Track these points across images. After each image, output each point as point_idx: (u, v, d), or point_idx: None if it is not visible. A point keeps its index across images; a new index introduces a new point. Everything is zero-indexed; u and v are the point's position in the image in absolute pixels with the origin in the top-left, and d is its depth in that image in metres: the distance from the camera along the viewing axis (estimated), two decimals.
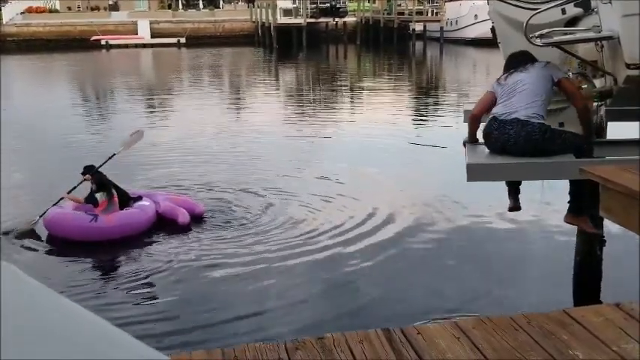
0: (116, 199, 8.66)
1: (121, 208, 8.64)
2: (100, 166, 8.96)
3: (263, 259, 7.57)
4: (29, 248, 8.18)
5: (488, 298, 6.44)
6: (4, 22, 52.89)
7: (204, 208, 9.07)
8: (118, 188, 8.92)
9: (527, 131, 4.50)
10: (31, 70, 38.13)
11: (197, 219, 8.86)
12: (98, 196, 8.53)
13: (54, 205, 8.65)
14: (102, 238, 8.16)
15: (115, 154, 9.41)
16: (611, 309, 3.22)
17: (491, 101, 4.90)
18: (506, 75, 4.85)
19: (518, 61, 4.91)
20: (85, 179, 8.74)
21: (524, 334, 2.98)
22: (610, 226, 5.70)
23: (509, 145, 4.57)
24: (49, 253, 8.16)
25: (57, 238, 8.33)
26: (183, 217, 8.61)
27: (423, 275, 7.15)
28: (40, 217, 8.57)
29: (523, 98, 4.64)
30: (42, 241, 8.41)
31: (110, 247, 8.15)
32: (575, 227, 5.94)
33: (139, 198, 8.94)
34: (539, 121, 4.55)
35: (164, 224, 8.72)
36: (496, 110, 4.75)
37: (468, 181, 4.57)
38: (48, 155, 13.21)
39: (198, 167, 12.03)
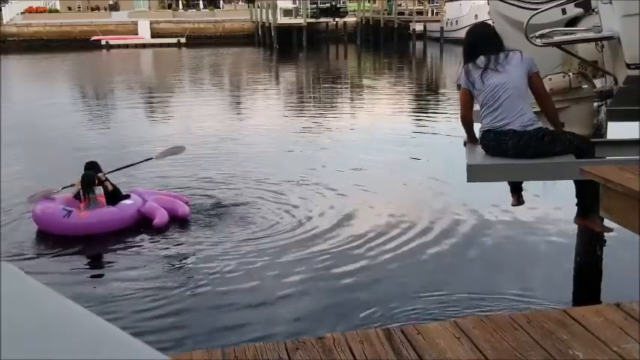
0: (101, 197, 8.86)
1: (112, 205, 8.89)
2: (132, 165, 9.74)
3: (266, 254, 7.60)
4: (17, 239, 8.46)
5: (489, 297, 6.43)
6: (4, 22, 52.90)
7: (189, 210, 9.15)
8: (112, 186, 9.12)
9: (526, 140, 4.45)
10: (32, 70, 38.14)
11: (182, 219, 8.99)
12: (81, 193, 8.82)
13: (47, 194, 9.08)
14: (75, 233, 8.44)
15: (151, 159, 10.08)
16: (612, 309, 3.22)
17: (470, 97, 4.72)
18: (480, 74, 4.58)
19: (482, 48, 4.67)
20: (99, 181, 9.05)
21: (525, 334, 2.98)
22: (610, 226, 5.70)
23: (508, 155, 4.53)
24: (32, 244, 8.42)
25: (41, 231, 8.64)
26: (160, 218, 8.72)
27: (424, 273, 7.15)
28: (63, 188, 9.22)
29: (511, 106, 4.48)
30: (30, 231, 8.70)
31: (100, 243, 8.34)
32: (576, 226, 5.95)
33: (127, 196, 9.14)
34: (535, 127, 4.46)
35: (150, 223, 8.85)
36: (487, 122, 4.60)
37: (468, 181, 4.56)
38: (49, 151, 13.23)
39: (198, 164, 12.14)
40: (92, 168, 9.09)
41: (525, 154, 4.46)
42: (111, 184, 9.09)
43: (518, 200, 5.12)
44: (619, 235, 6.19)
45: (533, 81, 4.56)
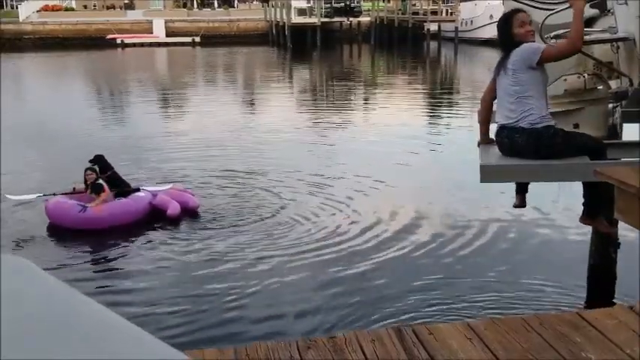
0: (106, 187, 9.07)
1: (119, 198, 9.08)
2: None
3: (275, 254, 7.61)
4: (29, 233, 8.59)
5: (501, 299, 6.41)
6: (20, 20, 53.28)
7: (198, 202, 9.40)
8: (119, 180, 9.34)
9: (535, 138, 4.40)
10: (47, 68, 38.38)
11: (191, 212, 9.21)
12: (100, 181, 8.99)
13: (62, 194, 9.12)
14: (91, 226, 8.56)
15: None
16: (625, 311, 3.21)
17: (494, 85, 4.68)
18: (498, 69, 4.58)
19: (500, 43, 4.62)
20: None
21: (537, 336, 2.97)
22: (625, 229, 5.66)
23: (521, 154, 4.50)
24: (46, 240, 8.55)
25: (54, 226, 8.73)
26: (173, 210, 8.92)
27: (436, 272, 7.13)
28: (41, 195, 9.16)
29: (518, 106, 4.43)
30: (42, 226, 8.79)
31: (114, 237, 8.43)
32: (590, 228, 5.92)
33: (137, 190, 9.31)
34: (544, 125, 4.41)
35: (162, 216, 8.99)
36: (499, 119, 4.60)
37: (481, 182, 4.55)
38: (61, 148, 13.31)
39: (215, 159, 12.25)
40: (98, 161, 9.23)
41: (538, 154, 4.43)
42: (113, 178, 9.26)
43: (522, 201, 5.09)
44: (633, 238, 6.16)
45: (546, 57, 4.34)
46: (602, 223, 4.80)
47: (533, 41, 4.50)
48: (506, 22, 4.56)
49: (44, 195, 9.15)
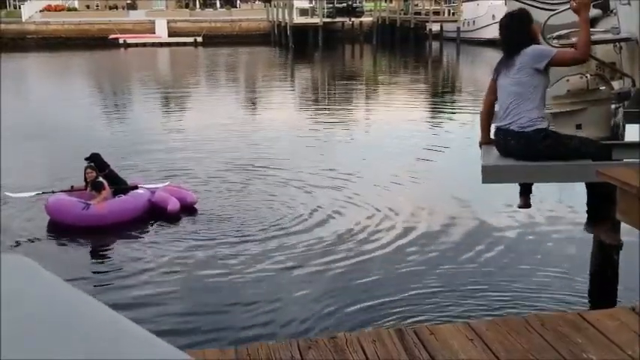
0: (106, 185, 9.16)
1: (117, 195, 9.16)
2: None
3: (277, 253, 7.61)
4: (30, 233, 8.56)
5: (502, 299, 6.41)
6: (22, 20, 53.35)
7: (196, 198, 9.50)
8: (116, 177, 9.42)
9: (526, 140, 4.39)
10: (50, 67, 38.41)
11: (190, 208, 9.32)
12: (100, 179, 9.03)
13: (61, 191, 9.18)
14: (93, 224, 8.59)
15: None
16: (626, 312, 3.20)
17: (495, 85, 4.70)
18: (499, 69, 4.60)
19: (502, 43, 4.65)
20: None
21: (538, 337, 2.97)
22: (627, 229, 5.65)
23: (517, 156, 4.50)
24: (46, 237, 8.56)
25: (55, 223, 8.73)
26: (173, 205, 9.01)
27: (434, 274, 7.13)
28: (40, 193, 9.19)
29: (513, 108, 4.45)
30: (42, 224, 8.80)
31: (116, 235, 8.50)
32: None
33: (135, 187, 9.37)
34: (534, 129, 4.40)
35: (161, 212, 9.05)
36: (496, 120, 4.62)
37: (483, 182, 4.55)
38: (62, 146, 13.33)
39: (217, 158, 12.22)
40: (95, 160, 9.29)
41: (529, 158, 4.42)
42: (109, 176, 9.32)
43: (526, 202, 5.08)
44: (635, 239, 6.14)
45: (557, 62, 4.40)
46: (605, 232, 4.78)
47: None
48: (521, 20, 4.53)
49: (43, 193, 9.17)
